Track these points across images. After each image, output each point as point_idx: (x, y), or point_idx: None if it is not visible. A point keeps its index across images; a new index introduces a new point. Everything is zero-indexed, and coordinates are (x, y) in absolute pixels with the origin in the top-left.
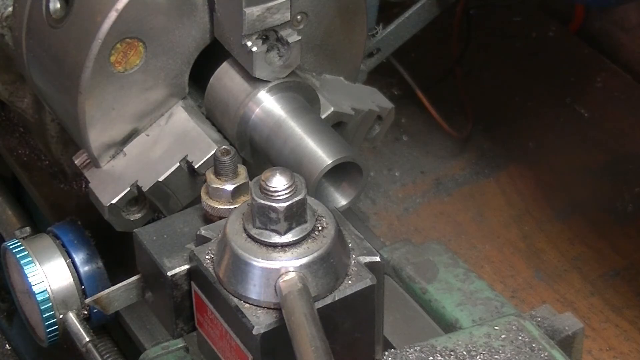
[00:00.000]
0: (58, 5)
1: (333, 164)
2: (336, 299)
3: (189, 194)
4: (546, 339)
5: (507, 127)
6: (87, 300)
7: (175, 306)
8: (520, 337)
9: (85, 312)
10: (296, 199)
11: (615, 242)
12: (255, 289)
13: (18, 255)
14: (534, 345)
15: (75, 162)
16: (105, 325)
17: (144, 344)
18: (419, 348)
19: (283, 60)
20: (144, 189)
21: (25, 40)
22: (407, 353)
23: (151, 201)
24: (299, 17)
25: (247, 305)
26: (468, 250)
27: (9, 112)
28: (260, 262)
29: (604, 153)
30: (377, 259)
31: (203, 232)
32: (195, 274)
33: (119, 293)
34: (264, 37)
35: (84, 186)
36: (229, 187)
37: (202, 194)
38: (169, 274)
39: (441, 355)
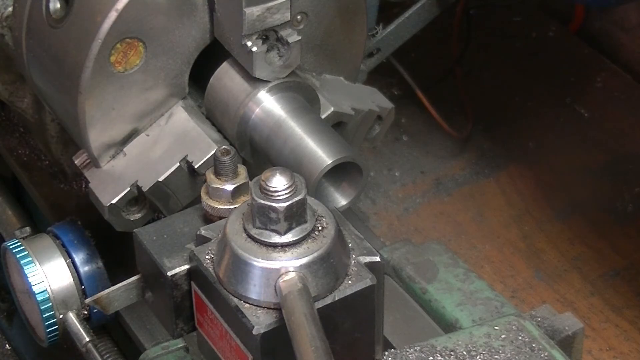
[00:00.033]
0: (58, 5)
1: (333, 164)
2: (336, 299)
3: (189, 194)
4: (546, 339)
5: (507, 127)
6: (87, 300)
7: (175, 306)
8: (520, 337)
9: (85, 312)
10: (296, 199)
11: (615, 242)
12: (255, 289)
13: (18, 255)
14: (534, 345)
15: (75, 162)
16: (105, 325)
17: (144, 344)
18: (419, 348)
19: (283, 60)
20: (144, 189)
21: (25, 40)
22: (407, 353)
23: (151, 201)
24: (299, 17)
25: (247, 305)
26: (468, 250)
27: (9, 112)
28: (260, 262)
29: (604, 153)
30: (377, 259)
31: (203, 232)
32: (195, 274)
33: (119, 293)
34: (264, 37)
35: (84, 186)
36: (229, 187)
37: (202, 194)
38: (169, 274)
39: (441, 355)
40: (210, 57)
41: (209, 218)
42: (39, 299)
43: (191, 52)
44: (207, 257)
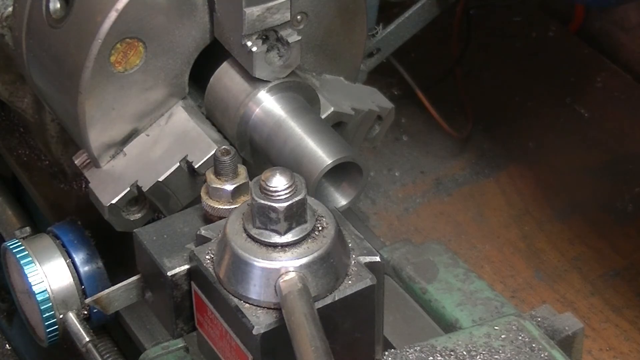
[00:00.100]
0: (58, 5)
1: (333, 164)
2: (336, 299)
3: (189, 194)
4: (546, 339)
5: (507, 127)
6: (87, 300)
7: (175, 306)
8: (520, 337)
9: (85, 312)
10: (296, 199)
11: (615, 242)
12: (255, 289)
13: (18, 255)
14: (534, 345)
15: (75, 162)
16: (105, 325)
17: (144, 344)
18: (419, 348)
19: (283, 60)
20: (144, 189)
21: (25, 40)
22: (407, 353)
23: (151, 201)
24: (299, 17)
25: (247, 305)
26: (468, 250)
27: (9, 112)
28: (260, 262)
29: (604, 153)
30: (377, 259)
31: (203, 232)
32: (195, 274)
33: (119, 293)
34: (264, 37)
35: (84, 186)
36: (229, 187)
37: (202, 194)
38: (169, 274)
39: (441, 355)
40: (210, 57)
41: (209, 218)
42: (39, 299)
43: (191, 52)
44: (207, 257)
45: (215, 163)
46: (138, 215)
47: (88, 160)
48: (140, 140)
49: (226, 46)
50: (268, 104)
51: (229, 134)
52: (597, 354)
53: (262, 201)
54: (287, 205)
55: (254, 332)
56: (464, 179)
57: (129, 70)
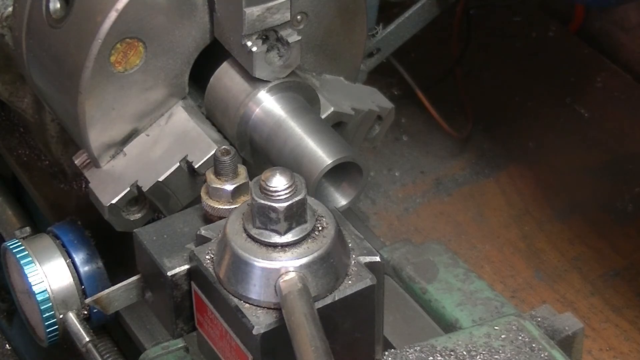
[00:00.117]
0: (58, 5)
1: (333, 164)
2: (336, 299)
3: (189, 194)
4: (546, 339)
5: (507, 127)
6: (87, 300)
7: (175, 306)
8: (520, 337)
9: (85, 312)
10: (296, 199)
11: (615, 242)
12: (255, 289)
13: (18, 255)
14: (534, 345)
15: (75, 162)
16: (105, 325)
17: (144, 344)
18: (419, 348)
19: (283, 60)
20: (144, 189)
21: (25, 40)
22: (407, 353)
23: (151, 201)
24: (299, 17)
25: (247, 305)
26: (468, 250)
27: (9, 112)
28: (260, 262)
29: (604, 153)
30: (377, 259)
31: (203, 232)
32: (195, 274)
33: (119, 293)
34: (264, 37)
35: (84, 186)
36: (229, 187)
37: (202, 194)
38: (169, 274)
39: (441, 355)
40: (210, 57)
41: (209, 218)
42: (39, 299)
43: (191, 52)
44: (207, 257)
45: (215, 163)
46: (138, 215)
47: (88, 160)
48: (140, 140)
49: (226, 46)
50: (268, 104)
51: (229, 134)
52: (597, 354)
53: (262, 201)
54: (287, 205)
55: (254, 332)
56: (464, 179)
57: (129, 70)
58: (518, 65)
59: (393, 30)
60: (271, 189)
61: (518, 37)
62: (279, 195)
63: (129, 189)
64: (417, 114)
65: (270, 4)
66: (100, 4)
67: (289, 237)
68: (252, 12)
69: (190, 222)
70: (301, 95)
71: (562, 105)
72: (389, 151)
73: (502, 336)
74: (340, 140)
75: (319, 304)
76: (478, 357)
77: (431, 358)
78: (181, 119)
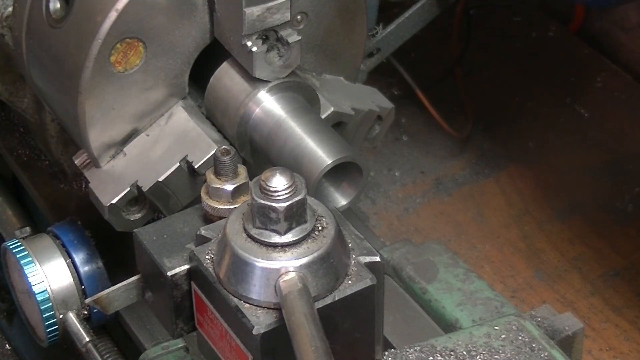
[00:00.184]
0: (58, 5)
1: (333, 164)
2: (336, 299)
3: (189, 194)
4: (546, 339)
5: (507, 127)
6: (87, 300)
7: (175, 306)
8: (520, 337)
9: (85, 312)
10: (296, 199)
11: (615, 242)
12: (255, 289)
13: (18, 255)
14: (534, 345)
15: (75, 162)
16: (105, 325)
17: (144, 344)
18: (419, 348)
19: (283, 60)
20: (144, 189)
21: (25, 40)
22: (407, 353)
23: (151, 201)
24: (299, 17)
25: (247, 305)
26: (468, 250)
27: (9, 112)
28: (260, 262)
29: (604, 153)
30: (377, 259)
31: (203, 232)
32: (195, 274)
33: (119, 293)
34: (264, 37)
35: (84, 186)
36: (229, 187)
37: (202, 194)
38: (169, 274)
39: (441, 355)
40: (210, 57)
41: (209, 218)
42: (39, 299)
43: (191, 52)
44: (207, 257)
45: (215, 163)
46: (138, 215)
47: (88, 160)
48: (140, 140)
49: (226, 46)
50: (268, 104)
51: (229, 134)
52: (597, 354)
53: (262, 201)
54: (287, 205)
55: (254, 332)
56: (464, 179)
57: (129, 70)
58: (518, 65)
59: (393, 30)
60: (271, 189)
61: (518, 37)
62: (279, 195)
63: (129, 189)
64: (417, 114)
65: (270, 4)
66: (100, 4)
67: (289, 237)
68: (252, 12)
69: (190, 222)
70: (301, 95)
71: (562, 105)
72: (389, 151)
73: (502, 336)
74: (340, 140)
75: (319, 304)
76: (478, 357)
77: (431, 358)
78: (181, 119)
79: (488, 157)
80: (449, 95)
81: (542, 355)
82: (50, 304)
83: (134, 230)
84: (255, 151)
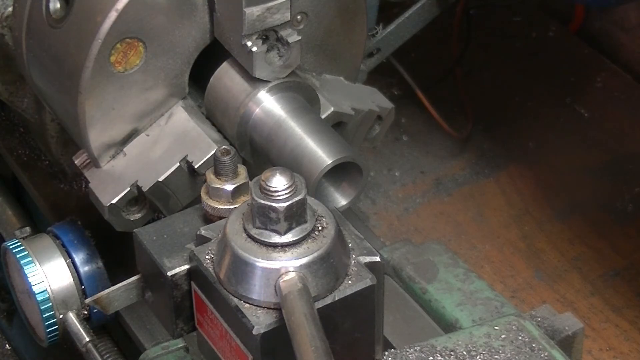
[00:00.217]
0: (58, 5)
1: (333, 164)
2: (336, 299)
3: (189, 194)
4: (546, 339)
5: (507, 127)
6: (87, 300)
7: (175, 306)
8: (520, 337)
9: (85, 312)
10: (296, 199)
11: (615, 242)
12: (255, 289)
13: (18, 255)
14: (534, 345)
15: (75, 162)
16: (105, 325)
17: (144, 344)
18: (419, 348)
19: (283, 60)
20: (144, 189)
21: (25, 40)
22: (407, 353)
23: (151, 201)
24: (299, 17)
25: (247, 305)
26: (468, 250)
27: (9, 112)
28: (260, 262)
29: (604, 153)
30: (377, 259)
31: (203, 232)
32: (195, 274)
33: (119, 293)
34: (264, 37)
35: (84, 186)
36: (229, 187)
37: (202, 194)
38: (169, 274)
39: (441, 355)
40: (210, 57)
41: (209, 218)
42: (39, 299)
43: (191, 52)
44: (207, 257)
45: (215, 163)
46: (138, 215)
47: (88, 160)
48: (140, 140)
49: (226, 46)
50: (268, 104)
51: (229, 134)
52: (597, 354)
53: (262, 201)
54: (287, 205)
55: (254, 332)
56: (464, 179)
57: (129, 70)
58: (518, 65)
59: (393, 30)
60: (271, 189)
61: (518, 37)
62: (279, 195)
63: (129, 189)
64: (417, 114)
65: (270, 4)
66: (100, 4)
67: (289, 237)
68: (252, 12)
69: (190, 222)
70: (301, 95)
71: (562, 105)
72: (389, 151)
73: (502, 336)
74: (340, 140)
75: (319, 304)
76: (478, 357)
77: (431, 358)
78: (181, 119)
79: (488, 157)
80: (449, 95)
81: (542, 355)
82: (50, 304)
83: (134, 230)
84: (255, 151)
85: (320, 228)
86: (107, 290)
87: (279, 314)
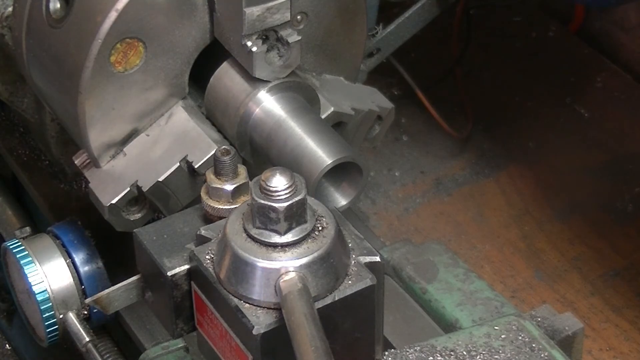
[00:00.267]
0: (58, 5)
1: (333, 164)
2: (336, 299)
3: (189, 194)
4: (546, 339)
5: (507, 127)
6: (87, 300)
7: (175, 306)
8: (520, 337)
9: (85, 312)
10: (296, 199)
11: (615, 242)
12: (255, 289)
13: (18, 255)
14: (534, 345)
15: (75, 162)
16: (105, 325)
17: (144, 344)
18: (419, 348)
19: (283, 60)
20: (144, 189)
21: (25, 40)
22: (407, 353)
23: (151, 201)
24: (299, 17)
25: (247, 305)
26: (468, 250)
27: (9, 112)
28: (260, 262)
29: (604, 153)
30: (377, 259)
31: (203, 232)
32: (195, 274)
33: (119, 293)
34: (264, 37)
35: (84, 186)
36: (229, 187)
37: (202, 194)
38: (169, 274)
39: (441, 355)
40: (210, 57)
41: (209, 218)
42: (39, 299)
43: (191, 52)
44: (207, 257)
45: (215, 163)
46: (138, 215)
47: (88, 160)
48: (140, 140)
49: (226, 46)
50: (268, 104)
51: (229, 134)
52: (597, 354)
53: (262, 201)
54: (287, 205)
55: (254, 332)
56: (464, 179)
57: (129, 70)
58: (518, 65)
59: (393, 30)
60: (271, 189)
61: (518, 37)
62: (279, 195)
63: (129, 189)
64: (417, 114)
65: (270, 4)
66: (100, 4)
67: (289, 237)
68: (252, 12)
69: (190, 222)
70: (301, 95)
71: (562, 105)
72: (389, 151)
73: (502, 336)
74: (340, 140)
75: (319, 304)
76: (478, 357)
77: (431, 358)
78: (181, 119)
79: (488, 157)
80: (449, 95)
81: (542, 355)
82: (50, 304)
83: (134, 230)
84: (255, 151)
85: (320, 228)
86: (107, 290)
87: (279, 314)
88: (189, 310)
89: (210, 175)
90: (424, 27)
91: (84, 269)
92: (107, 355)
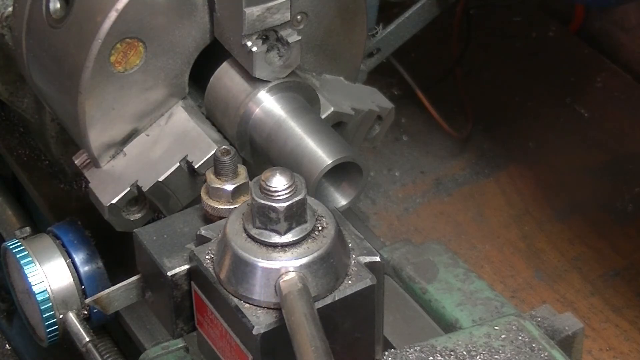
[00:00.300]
0: (58, 5)
1: (333, 164)
2: (336, 299)
3: (189, 194)
4: (546, 339)
5: (507, 127)
6: (87, 300)
7: (175, 306)
8: (520, 337)
9: (85, 312)
10: (296, 199)
11: (615, 242)
12: (255, 289)
13: (18, 255)
14: (534, 345)
15: (75, 162)
16: (105, 325)
17: (144, 344)
18: (419, 348)
19: (283, 60)
20: (144, 189)
21: (25, 40)
22: (407, 353)
23: (151, 201)
24: (299, 17)
25: (247, 305)
26: (468, 250)
27: (9, 112)
28: (260, 262)
29: (604, 153)
30: (377, 259)
31: (203, 232)
32: (195, 274)
33: (119, 293)
34: (264, 37)
35: (84, 186)
36: (229, 187)
37: (202, 194)
38: (169, 274)
39: (441, 355)
40: (210, 57)
41: (209, 218)
42: (39, 299)
43: (191, 52)
44: (207, 257)
45: (215, 163)
46: (138, 215)
47: (88, 160)
48: (140, 140)
49: (226, 46)
50: (268, 104)
51: (229, 134)
52: (597, 354)
53: (262, 201)
54: (287, 205)
55: (254, 332)
56: (464, 179)
57: (129, 70)
58: (518, 65)
59: (393, 30)
60: (271, 189)
61: (518, 37)
62: (279, 195)
63: (129, 189)
64: (417, 114)
65: (270, 4)
66: (100, 4)
67: (289, 237)
68: (252, 12)
69: (190, 222)
70: (301, 95)
71: (562, 105)
72: (389, 151)
73: (502, 336)
74: (340, 140)
75: (319, 304)
76: (478, 357)
77: (431, 358)
78: (181, 119)
79: (488, 157)
80: (449, 95)
81: (542, 355)
82: (50, 304)
83: (134, 230)
84: (255, 151)
85: (320, 228)
86: (107, 290)
87: (279, 314)
88: (189, 310)
89: (210, 175)
90: (424, 27)
91: (84, 269)
92: (107, 355)
